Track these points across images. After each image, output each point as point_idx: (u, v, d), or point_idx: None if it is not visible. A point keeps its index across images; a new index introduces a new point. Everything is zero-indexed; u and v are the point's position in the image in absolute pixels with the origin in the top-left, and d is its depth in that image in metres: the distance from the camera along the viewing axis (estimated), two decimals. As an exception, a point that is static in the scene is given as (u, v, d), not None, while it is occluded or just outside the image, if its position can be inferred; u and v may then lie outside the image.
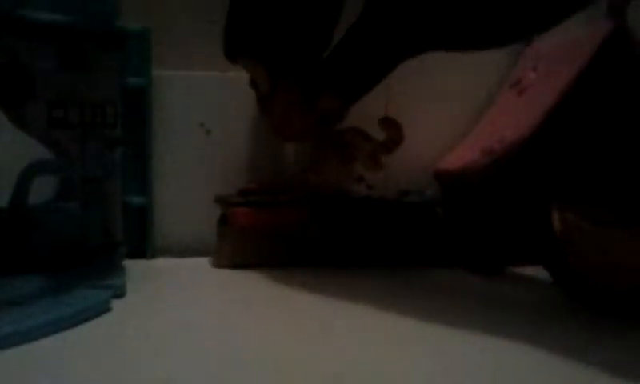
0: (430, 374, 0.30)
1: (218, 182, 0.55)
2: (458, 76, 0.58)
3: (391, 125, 0.49)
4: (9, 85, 0.42)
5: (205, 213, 0.53)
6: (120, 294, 0.41)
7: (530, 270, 0.50)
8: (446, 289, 0.46)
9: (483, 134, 0.55)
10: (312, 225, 0.51)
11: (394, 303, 0.41)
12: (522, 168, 0.48)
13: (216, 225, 0.51)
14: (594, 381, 0.30)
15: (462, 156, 0.55)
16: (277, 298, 0.42)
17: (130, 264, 0.48)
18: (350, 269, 0.50)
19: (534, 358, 0.32)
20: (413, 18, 0.41)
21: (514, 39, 0.49)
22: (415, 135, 0.57)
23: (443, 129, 0.58)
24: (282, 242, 0.51)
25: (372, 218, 0.52)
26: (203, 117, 0.56)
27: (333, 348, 0.33)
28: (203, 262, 0.52)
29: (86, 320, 0.37)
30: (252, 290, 0.45)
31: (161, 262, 0.53)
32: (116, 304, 0.40)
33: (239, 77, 0.56)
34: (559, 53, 0.52)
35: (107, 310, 0.39)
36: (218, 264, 0.51)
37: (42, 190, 0.45)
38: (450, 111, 0.58)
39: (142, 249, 0.54)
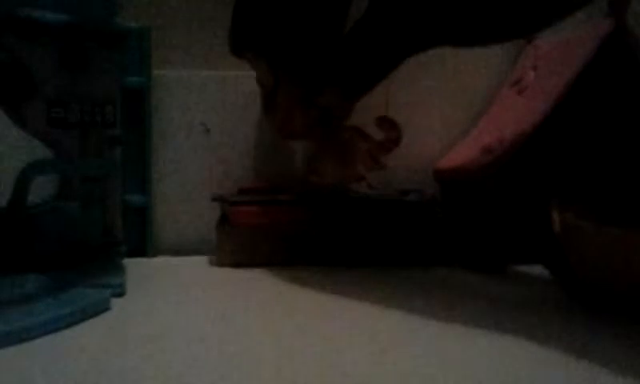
0: (429, 372, 0.30)
1: (217, 181, 0.55)
2: (458, 76, 0.58)
3: (389, 124, 0.49)
4: (9, 84, 0.42)
5: (205, 212, 0.53)
6: (120, 292, 0.42)
7: (530, 269, 0.50)
8: (446, 287, 0.46)
9: (483, 133, 0.55)
10: (312, 224, 0.51)
11: (394, 302, 0.41)
12: (521, 167, 0.48)
13: (216, 224, 0.51)
14: (594, 380, 0.30)
15: (462, 155, 0.55)
16: (276, 297, 0.42)
17: (130, 263, 0.48)
18: (349, 268, 0.50)
19: (534, 356, 0.32)
20: (419, 14, 0.41)
21: (520, 34, 0.49)
22: (415, 135, 0.57)
23: (443, 129, 0.58)
24: (281, 241, 0.51)
25: (372, 218, 0.52)
26: (203, 116, 0.56)
27: (333, 346, 0.33)
28: (203, 261, 0.52)
29: (86, 319, 0.37)
30: (251, 288, 0.45)
31: (161, 261, 0.54)
32: (116, 303, 0.40)
33: (239, 77, 0.56)
34: (559, 52, 0.52)
35: (106, 308, 0.39)
36: (218, 263, 0.51)
37: (42, 189, 0.45)
38: (450, 111, 0.58)
39: (142, 248, 0.54)
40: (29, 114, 0.42)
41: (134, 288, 0.43)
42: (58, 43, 0.42)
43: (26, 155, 0.45)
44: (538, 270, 0.50)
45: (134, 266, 0.48)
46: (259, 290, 0.44)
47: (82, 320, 0.37)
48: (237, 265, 0.50)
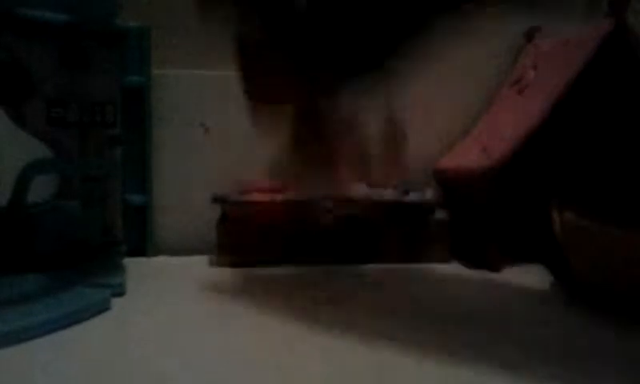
0: (428, 372, 0.30)
1: (217, 180, 0.55)
2: (457, 76, 0.58)
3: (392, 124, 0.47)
4: (8, 83, 0.42)
5: (204, 211, 0.53)
6: (119, 292, 0.41)
7: (529, 269, 0.50)
8: (446, 286, 0.46)
9: (483, 133, 0.55)
10: (311, 224, 0.51)
11: (394, 301, 0.41)
12: (521, 167, 0.48)
13: (216, 224, 0.51)
14: (594, 380, 0.30)
15: (462, 155, 0.55)
16: (275, 297, 0.42)
17: (130, 262, 0.48)
18: (349, 267, 0.50)
19: (533, 356, 0.32)
20: None
21: None
22: (415, 135, 0.57)
23: (443, 129, 0.58)
24: (281, 241, 0.51)
25: (372, 218, 0.52)
26: (203, 116, 0.56)
27: (333, 346, 0.33)
28: (203, 261, 0.52)
29: (86, 319, 0.37)
30: (251, 288, 0.45)
31: (160, 261, 0.54)
32: (116, 302, 0.40)
33: (239, 75, 0.56)
34: (560, 51, 0.52)
35: (106, 308, 0.39)
36: (218, 263, 0.51)
37: (42, 188, 0.45)
38: (450, 111, 0.58)
39: (142, 247, 0.54)
40: (28, 114, 0.42)
41: (134, 288, 0.43)
42: (57, 42, 0.42)
43: (26, 155, 0.45)
44: (537, 269, 0.50)
45: (134, 266, 0.48)
46: (259, 289, 0.44)
47: (82, 320, 0.37)
48: (237, 265, 0.50)
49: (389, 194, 0.54)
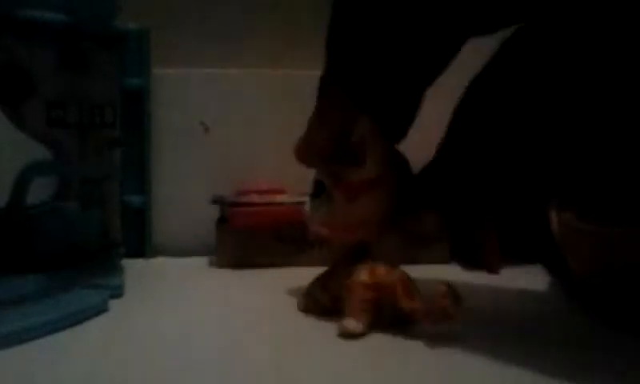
0: (427, 372, 0.30)
1: (217, 181, 0.55)
2: (457, 76, 0.58)
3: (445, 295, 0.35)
4: (8, 84, 0.42)
5: (204, 212, 0.53)
6: (118, 294, 0.41)
7: (529, 269, 0.50)
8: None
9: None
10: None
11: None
12: (521, 166, 0.48)
13: (215, 225, 0.51)
14: (594, 380, 0.30)
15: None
16: (275, 298, 0.42)
17: (129, 263, 0.48)
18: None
19: (532, 355, 0.32)
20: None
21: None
22: (415, 135, 0.57)
23: (443, 129, 0.58)
24: (280, 242, 0.51)
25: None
26: (202, 116, 0.56)
27: (333, 347, 0.33)
28: (202, 262, 0.52)
29: (84, 320, 0.37)
30: (250, 289, 0.45)
31: (159, 262, 0.54)
32: (114, 304, 0.40)
33: (239, 76, 0.56)
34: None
35: (105, 310, 0.39)
36: (218, 263, 0.51)
37: (41, 190, 0.45)
38: (450, 111, 0.58)
39: (141, 248, 0.54)
40: (28, 115, 0.42)
41: (133, 289, 0.43)
42: (57, 44, 0.42)
43: (26, 156, 0.45)
44: (537, 270, 0.50)
45: (133, 267, 0.48)
46: (258, 290, 0.44)
47: (81, 321, 0.37)
48: (236, 265, 0.50)
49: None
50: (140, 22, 0.53)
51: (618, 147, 0.46)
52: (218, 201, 0.52)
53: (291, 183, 0.53)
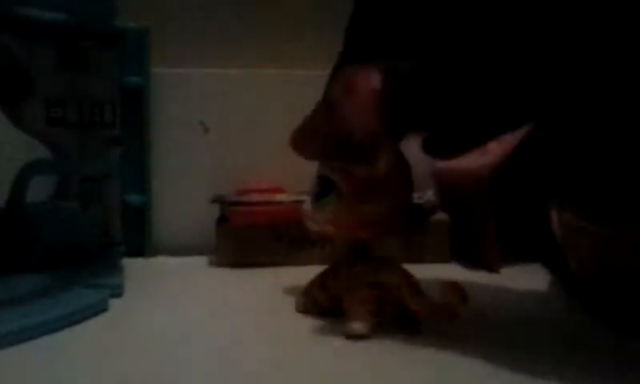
0: (427, 371, 0.30)
1: (217, 181, 0.55)
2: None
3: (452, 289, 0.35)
4: (7, 83, 0.42)
5: (204, 212, 0.53)
6: (118, 293, 0.41)
7: (529, 269, 0.50)
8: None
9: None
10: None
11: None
12: (520, 166, 0.48)
13: (215, 224, 0.51)
14: (594, 380, 0.30)
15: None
16: (275, 298, 0.42)
17: (129, 263, 0.48)
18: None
19: (532, 355, 0.32)
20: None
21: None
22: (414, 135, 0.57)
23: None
24: (280, 241, 0.51)
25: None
26: (202, 115, 0.56)
27: (332, 348, 0.33)
28: (202, 261, 0.52)
29: (84, 319, 0.37)
30: (251, 288, 0.45)
31: (159, 261, 0.53)
32: (114, 303, 0.40)
33: (239, 75, 0.56)
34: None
35: (104, 309, 0.39)
36: (217, 263, 0.51)
37: (41, 189, 0.45)
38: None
39: (141, 248, 0.54)
40: (27, 114, 0.42)
41: (133, 288, 0.43)
42: (56, 43, 0.42)
43: (25, 155, 0.45)
44: (537, 269, 0.49)
45: (133, 267, 0.48)
46: (258, 290, 0.44)
47: (80, 321, 0.37)
48: (236, 265, 0.50)
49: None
50: (140, 21, 0.53)
51: (618, 147, 0.46)
52: (217, 200, 0.52)
53: (291, 182, 0.54)
